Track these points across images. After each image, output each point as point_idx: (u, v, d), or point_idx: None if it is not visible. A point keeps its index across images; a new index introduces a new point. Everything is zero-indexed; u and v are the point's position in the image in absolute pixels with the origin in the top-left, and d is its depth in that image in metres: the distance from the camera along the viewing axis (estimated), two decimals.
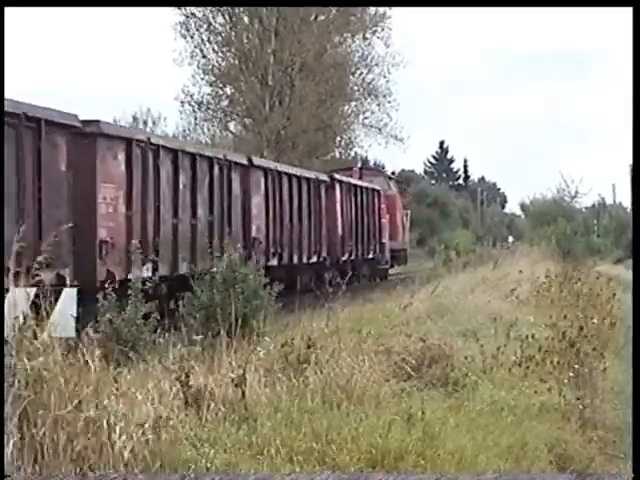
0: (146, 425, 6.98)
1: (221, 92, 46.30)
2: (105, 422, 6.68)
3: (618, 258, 49.08)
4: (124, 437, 6.71)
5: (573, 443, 9.69)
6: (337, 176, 30.15)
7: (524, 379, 11.41)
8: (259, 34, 44.20)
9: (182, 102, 44.90)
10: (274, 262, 23.12)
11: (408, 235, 42.14)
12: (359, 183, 33.18)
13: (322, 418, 8.42)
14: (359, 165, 40.04)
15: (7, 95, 12.72)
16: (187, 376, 8.45)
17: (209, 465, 7.05)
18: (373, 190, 34.30)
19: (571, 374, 11.08)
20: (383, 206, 35.61)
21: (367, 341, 12.06)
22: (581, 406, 10.49)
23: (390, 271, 39.45)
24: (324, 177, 28.50)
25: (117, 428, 6.73)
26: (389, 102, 48.30)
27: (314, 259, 26.54)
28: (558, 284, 22.41)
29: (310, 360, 10.16)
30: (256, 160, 23.73)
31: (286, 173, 25.00)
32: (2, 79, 12.03)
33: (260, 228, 22.55)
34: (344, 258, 29.39)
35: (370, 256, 33.09)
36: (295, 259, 24.89)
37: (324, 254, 27.45)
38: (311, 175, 27.15)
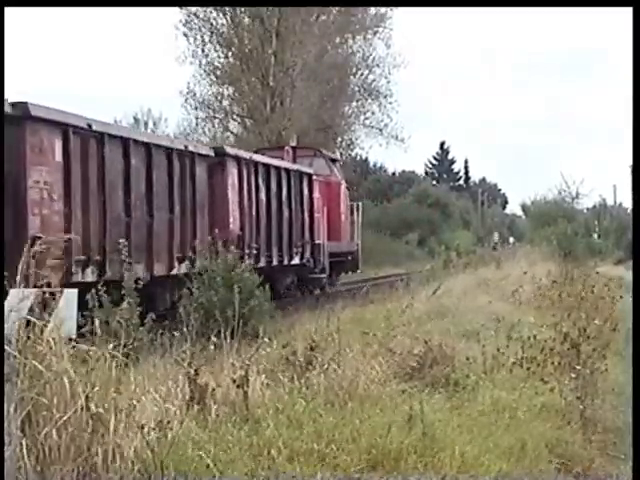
0: (149, 425, 6.98)
1: (222, 92, 46.36)
2: (108, 422, 6.68)
3: (619, 259, 49.08)
4: (127, 437, 6.71)
5: (574, 444, 9.69)
6: (230, 151, 21.80)
7: (525, 380, 11.40)
8: (260, 35, 44.24)
9: (185, 99, 45.00)
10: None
11: (359, 234, 31.23)
12: (274, 163, 23.56)
13: (324, 419, 8.42)
14: (293, 144, 31.74)
15: (7, 95, 12.70)
16: (197, 373, 8.46)
17: (211, 465, 7.05)
18: (300, 174, 25.05)
19: (572, 375, 11.06)
20: (318, 196, 26.35)
21: (368, 342, 12.06)
22: (582, 407, 10.48)
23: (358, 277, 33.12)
24: (205, 150, 20.17)
25: (120, 428, 6.73)
26: (390, 103, 48.43)
27: (176, 270, 17.85)
28: (559, 285, 22.41)
29: (312, 362, 10.16)
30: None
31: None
32: (2, 79, 12.04)
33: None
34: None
35: (295, 262, 24.41)
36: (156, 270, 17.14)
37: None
38: (180, 146, 19.00)
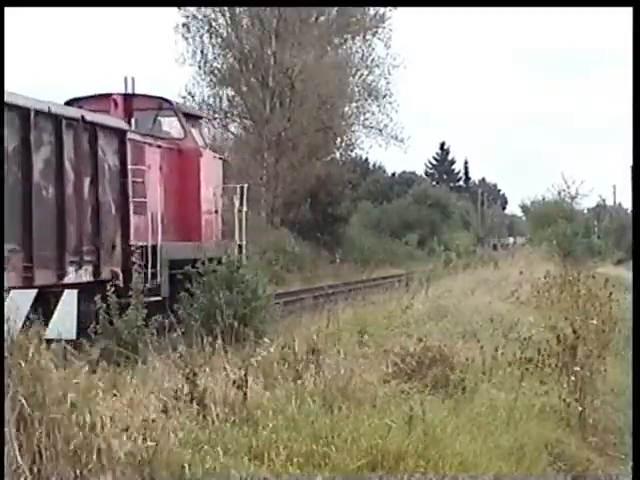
0: (146, 426, 6.99)
1: (222, 93, 46.40)
2: (101, 423, 6.69)
3: (619, 259, 49.09)
4: (122, 438, 6.72)
5: (572, 445, 9.71)
6: None
7: (524, 380, 11.41)
8: (259, 35, 44.29)
9: (185, 101, 44.99)
10: None
11: (244, 231, 19.93)
12: (35, 107, 13.40)
13: (323, 420, 8.43)
14: (127, 91, 18.94)
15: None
16: (195, 374, 8.47)
17: (208, 467, 7.06)
18: (96, 129, 14.99)
19: (571, 376, 11.08)
20: (143, 168, 16.42)
21: (367, 342, 12.08)
22: (580, 407, 10.50)
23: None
24: None
25: (115, 429, 6.74)
26: (389, 103, 48.47)
27: None
28: (558, 285, 22.42)
29: (310, 362, 10.17)
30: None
31: None
32: (2, 79, 12.05)
33: None
34: None
35: (81, 278, 14.18)
36: None
37: None
38: None
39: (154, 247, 16.00)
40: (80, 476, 6.42)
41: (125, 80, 18.71)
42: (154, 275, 15.73)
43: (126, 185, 15.70)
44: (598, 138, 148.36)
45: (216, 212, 19.39)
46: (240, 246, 19.38)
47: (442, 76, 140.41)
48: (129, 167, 15.79)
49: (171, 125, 19.04)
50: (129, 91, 18.62)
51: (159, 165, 17.38)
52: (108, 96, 17.94)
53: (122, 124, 16.47)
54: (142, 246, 15.77)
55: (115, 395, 7.82)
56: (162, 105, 18.80)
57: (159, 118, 18.78)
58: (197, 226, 18.54)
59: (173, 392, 8.41)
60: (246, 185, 20.95)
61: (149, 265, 15.66)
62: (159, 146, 17.60)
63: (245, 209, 19.90)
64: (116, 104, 17.77)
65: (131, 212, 15.76)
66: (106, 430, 6.66)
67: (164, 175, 17.58)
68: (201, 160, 18.84)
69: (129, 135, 16.13)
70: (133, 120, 18.02)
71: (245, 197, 20.18)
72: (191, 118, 19.39)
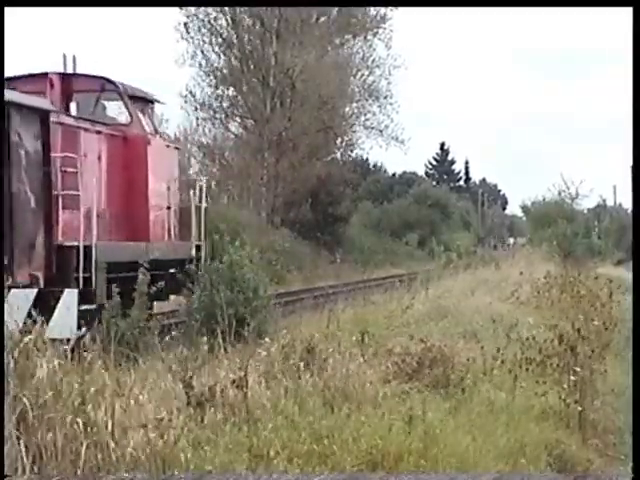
0: (147, 427, 6.99)
1: (222, 93, 46.39)
2: (105, 423, 6.70)
3: (619, 260, 49.05)
4: (125, 439, 6.72)
5: (572, 445, 9.71)
6: None
7: (524, 381, 11.41)
8: (260, 35, 44.30)
9: (185, 101, 45.02)
10: None
11: (201, 231, 17.72)
12: None
13: (323, 420, 8.43)
14: (67, 71, 16.84)
15: None
16: (190, 377, 8.47)
17: (209, 467, 7.06)
18: (24, 111, 13.14)
19: (571, 376, 11.08)
20: (84, 157, 14.58)
21: (368, 342, 12.08)
22: (580, 408, 10.50)
23: None
24: None
25: (117, 429, 6.75)
26: (390, 104, 48.47)
27: None
28: (559, 286, 22.43)
29: (310, 363, 10.17)
30: None
31: None
32: (2, 78, 12.07)
33: None
34: None
35: None
36: None
37: None
38: None
39: (88, 247, 13.46)
40: (81, 475, 6.43)
41: (64, 58, 16.39)
42: (87, 280, 13.23)
43: (51, 175, 13.39)
44: (598, 138, 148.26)
45: (169, 208, 17.00)
46: (198, 247, 17.32)
47: (442, 76, 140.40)
48: (56, 155, 13.55)
49: (119, 109, 16.76)
50: (70, 71, 16.48)
51: (98, 154, 15.16)
52: (44, 76, 15.69)
53: (44, 103, 14.01)
54: (73, 246, 13.42)
55: (116, 395, 7.81)
56: (105, 86, 16.43)
57: (103, 101, 16.68)
58: (144, 224, 16.21)
59: (173, 392, 8.41)
60: (205, 179, 19.31)
61: (80, 268, 13.17)
62: (98, 132, 15.32)
63: (205, 205, 17.76)
64: (52, 84, 15.62)
65: (59, 207, 13.54)
66: (108, 429, 6.66)
67: (104, 165, 15.37)
68: (149, 149, 16.44)
69: (56, 118, 13.91)
70: (74, 103, 16.07)
71: (205, 192, 18.02)
72: (139, 101, 16.86)
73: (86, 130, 14.88)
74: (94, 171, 14.75)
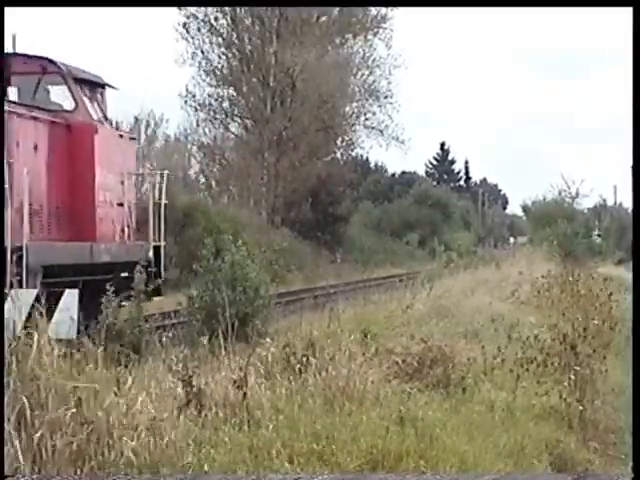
0: (147, 426, 6.99)
1: (222, 93, 46.41)
2: (105, 423, 6.70)
3: (619, 259, 49.06)
4: (124, 438, 6.72)
5: (572, 445, 9.71)
6: None
7: (525, 380, 11.42)
8: (260, 35, 44.31)
9: (185, 101, 45.03)
10: None
11: (160, 230, 16.07)
12: None
13: (323, 419, 8.43)
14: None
15: None
16: (190, 376, 8.47)
17: (209, 466, 7.06)
18: None
19: (571, 376, 11.09)
20: (16, 147, 13.03)
21: (368, 342, 12.08)
22: (581, 407, 10.50)
23: None
24: None
25: (117, 429, 6.75)
26: (390, 103, 48.47)
27: None
28: (559, 285, 22.43)
29: (311, 362, 10.17)
30: None
31: None
32: (2, 78, 12.07)
33: None
34: None
35: None
36: None
37: None
38: None
39: (18, 248, 11.84)
40: (81, 475, 6.43)
41: (13, 39, 14.29)
42: (18, 284, 11.25)
43: None
44: (598, 138, 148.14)
45: (121, 205, 15.19)
46: (157, 248, 15.71)
47: (442, 76, 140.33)
48: None
49: (65, 94, 14.86)
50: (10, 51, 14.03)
51: (34, 143, 13.47)
52: None
53: None
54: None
55: (116, 394, 7.81)
56: (47, 68, 14.63)
57: (46, 85, 14.85)
58: (90, 222, 14.42)
59: (173, 392, 8.41)
60: (166, 172, 17.06)
61: (8, 272, 11.09)
62: (35, 118, 13.64)
63: (166, 201, 16.10)
64: None
65: None
66: (108, 429, 6.66)
67: (43, 156, 13.73)
68: (96, 138, 14.58)
69: None
70: (12, 87, 14.10)
71: (165, 187, 16.21)
72: (87, 85, 15.08)
73: (18, 116, 13.07)
74: (28, 162, 12.92)
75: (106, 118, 15.59)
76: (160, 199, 15.90)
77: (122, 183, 15.28)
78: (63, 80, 14.70)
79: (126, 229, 15.41)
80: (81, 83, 14.91)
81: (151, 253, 15.47)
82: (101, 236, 14.53)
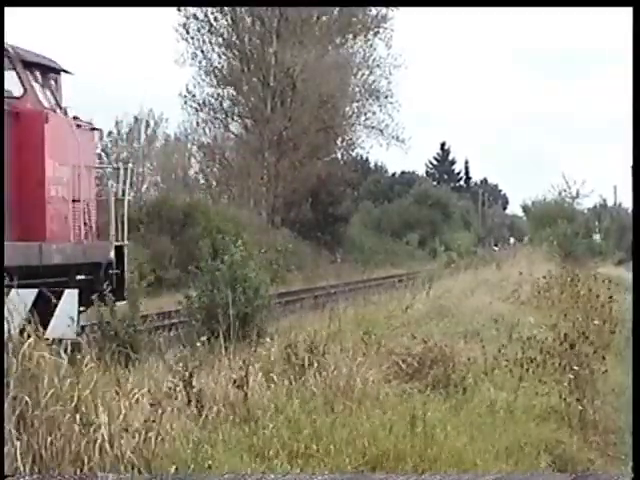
0: (147, 426, 6.99)
1: (222, 93, 46.44)
2: (103, 422, 6.69)
3: (619, 260, 49.04)
4: (124, 438, 6.72)
5: (573, 445, 9.70)
6: None
7: (525, 380, 11.41)
8: (261, 35, 44.33)
9: (185, 101, 45.06)
10: None
11: (123, 229, 14.77)
12: None
13: (323, 419, 8.43)
14: None
15: None
16: (190, 376, 8.46)
17: (209, 466, 7.06)
18: None
19: (571, 376, 11.08)
20: None
21: (369, 342, 12.07)
22: (580, 407, 10.50)
23: None
24: None
25: (117, 428, 6.74)
26: (390, 103, 48.51)
27: None
28: (559, 285, 22.43)
29: (311, 362, 10.17)
30: None
31: None
32: (2, 78, 12.06)
33: None
34: None
35: None
36: None
37: None
38: None
39: None
40: (81, 475, 6.43)
41: None
42: None
43: None
44: (598, 138, 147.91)
45: (76, 201, 13.82)
46: (119, 248, 14.57)
47: (442, 76, 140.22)
48: None
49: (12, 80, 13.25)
50: None
51: None
52: None
53: None
54: None
55: (117, 394, 7.82)
56: None
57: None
58: (39, 220, 13.00)
59: (173, 391, 8.41)
60: (130, 165, 16.17)
61: None
62: None
63: (129, 198, 15.16)
64: None
65: None
66: (108, 429, 6.66)
67: None
68: (47, 127, 13.13)
69: None
70: None
71: (129, 183, 15.22)
72: (39, 70, 13.72)
73: None
74: None
75: (60, 107, 14.12)
76: (124, 195, 14.87)
77: (79, 177, 13.92)
78: (10, 63, 13.12)
79: (83, 228, 14.10)
80: (31, 67, 13.51)
81: (112, 254, 14.33)
82: (52, 235, 13.12)
